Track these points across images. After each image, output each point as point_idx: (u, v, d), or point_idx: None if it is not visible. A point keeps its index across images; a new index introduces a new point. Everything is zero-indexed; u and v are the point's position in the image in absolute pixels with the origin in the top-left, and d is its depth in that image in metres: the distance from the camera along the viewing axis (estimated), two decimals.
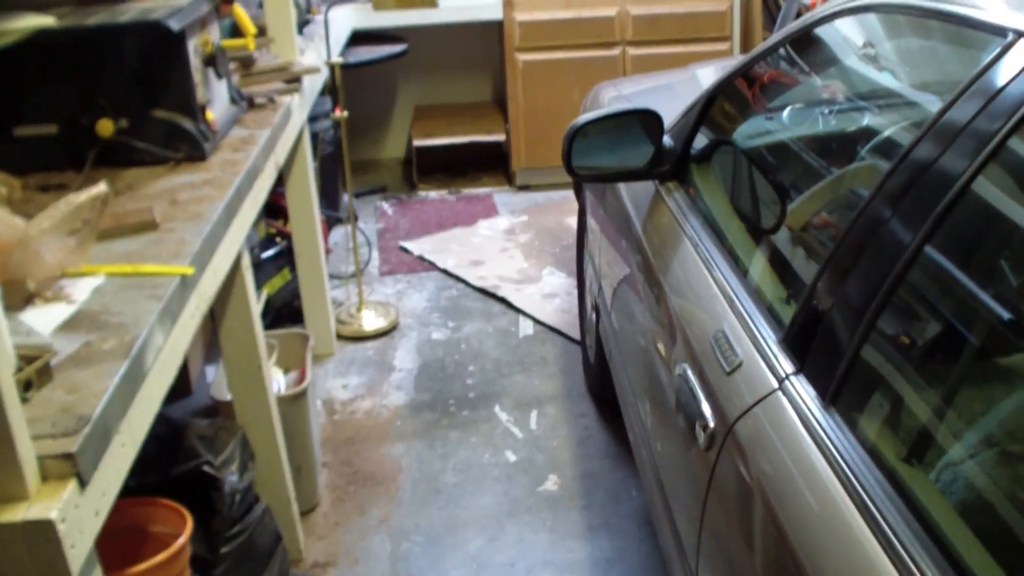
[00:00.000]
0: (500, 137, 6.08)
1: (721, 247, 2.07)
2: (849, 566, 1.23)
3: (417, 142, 6.08)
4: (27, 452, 1.22)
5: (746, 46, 5.76)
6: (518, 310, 4.49)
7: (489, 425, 3.59)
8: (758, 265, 1.97)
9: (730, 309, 1.84)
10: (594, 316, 3.33)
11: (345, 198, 4.90)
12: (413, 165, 6.22)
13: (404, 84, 6.57)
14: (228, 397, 2.70)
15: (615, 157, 2.48)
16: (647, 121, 2.43)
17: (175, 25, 2.30)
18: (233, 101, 2.86)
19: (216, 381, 3.03)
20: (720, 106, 2.47)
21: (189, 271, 1.84)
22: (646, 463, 2.38)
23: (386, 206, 5.87)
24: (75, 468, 1.27)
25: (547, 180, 5.89)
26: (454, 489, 3.24)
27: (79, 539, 1.27)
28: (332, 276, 4.56)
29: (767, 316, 1.73)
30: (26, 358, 1.42)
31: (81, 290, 1.75)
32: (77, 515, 1.26)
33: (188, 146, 2.44)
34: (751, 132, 2.46)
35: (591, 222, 3.42)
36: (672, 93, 3.14)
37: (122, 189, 2.28)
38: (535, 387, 3.84)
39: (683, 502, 1.95)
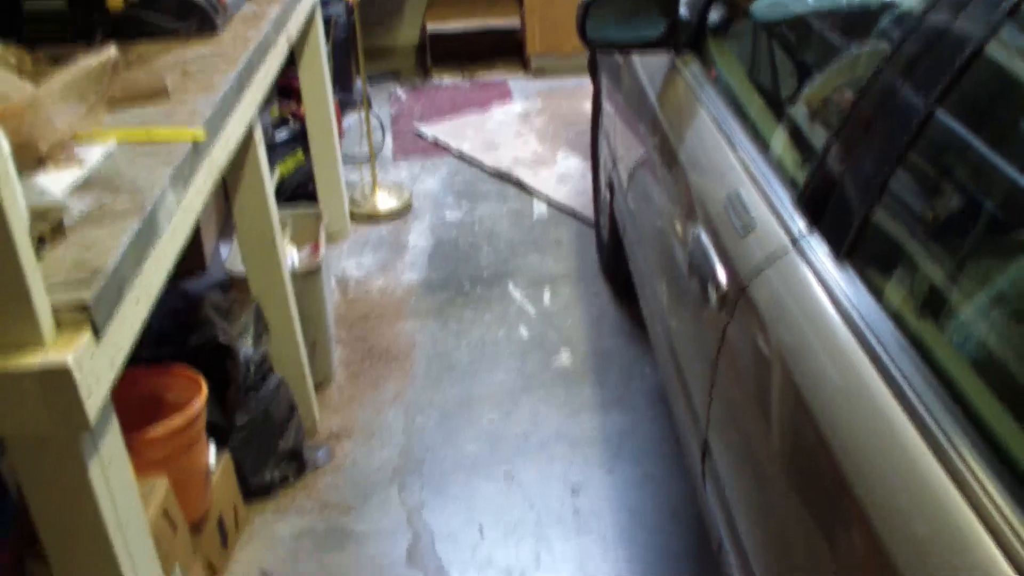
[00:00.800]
0: (515, 23, 6.01)
1: (737, 117, 2.05)
2: (864, 420, 1.23)
3: (431, 28, 6.02)
4: (42, 301, 1.23)
5: None
6: (532, 192, 4.48)
7: (503, 303, 3.60)
8: (773, 133, 1.95)
9: (745, 174, 1.83)
10: (608, 195, 3.32)
11: (358, 83, 4.86)
12: (427, 51, 6.16)
13: None
14: (242, 270, 2.70)
15: (630, 30, 2.44)
16: None
17: None
18: None
19: (231, 256, 3.04)
20: None
21: (201, 136, 1.83)
22: (661, 338, 2.39)
23: (400, 91, 5.83)
24: (89, 317, 1.28)
25: (562, 65, 5.83)
26: (468, 365, 3.27)
27: (95, 388, 1.28)
28: (346, 159, 4.54)
29: (781, 179, 1.72)
30: (39, 215, 1.43)
31: (93, 154, 1.74)
32: (92, 365, 1.28)
33: (199, 19, 2.42)
34: (768, 3, 2.41)
35: (606, 104, 3.38)
36: None
37: (133, 61, 2.27)
38: (549, 267, 3.84)
39: (696, 370, 1.96)
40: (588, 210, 4.18)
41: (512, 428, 2.95)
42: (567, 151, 4.83)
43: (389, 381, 3.18)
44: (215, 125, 1.97)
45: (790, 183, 1.69)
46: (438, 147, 5.02)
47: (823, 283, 1.42)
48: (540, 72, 5.96)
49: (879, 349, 1.25)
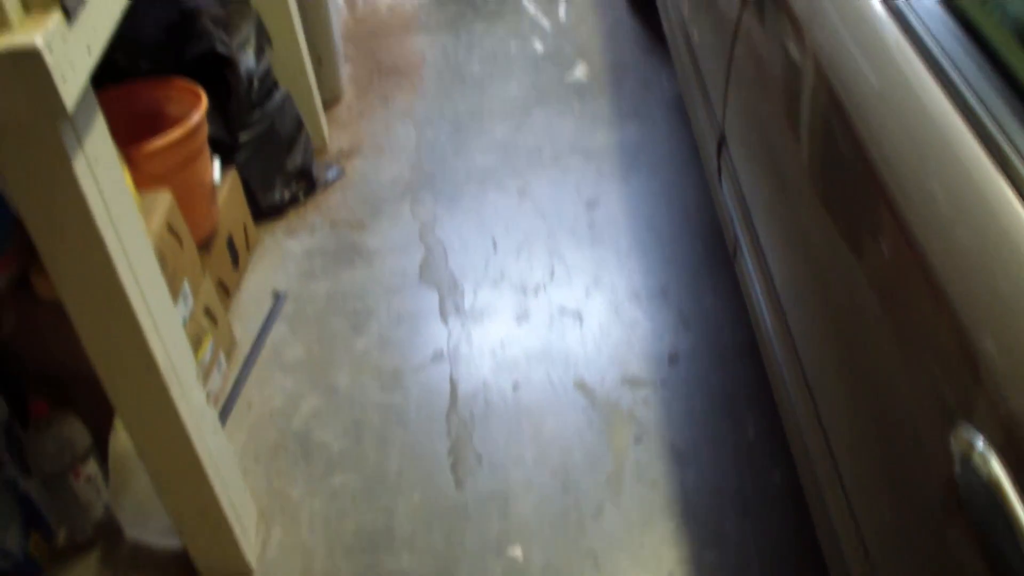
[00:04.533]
0: None
1: None
2: (905, 107, 1.15)
3: None
4: None
5: None
6: None
7: (516, 16, 3.46)
8: None
9: None
10: None
11: None
12: None
13: None
14: None
15: None
16: None
17: None
18: None
19: None
20: None
21: None
22: (681, 46, 2.29)
23: None
24: None
25: None
26: (479, 79, 3.16)
27: (70, 74, 1.20)
28: None
29: None
30: None
31: None
32: (66, 49, 1.19)
33: None
34: None
35: None
36: None
37: None
38: None
39: (713, 64, 1.87)
40: None
41: (525, 141, 2.88)
42: None
43: (399, 96, 3.09)
44: None
45: None
46: None
47: None
48: None
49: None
